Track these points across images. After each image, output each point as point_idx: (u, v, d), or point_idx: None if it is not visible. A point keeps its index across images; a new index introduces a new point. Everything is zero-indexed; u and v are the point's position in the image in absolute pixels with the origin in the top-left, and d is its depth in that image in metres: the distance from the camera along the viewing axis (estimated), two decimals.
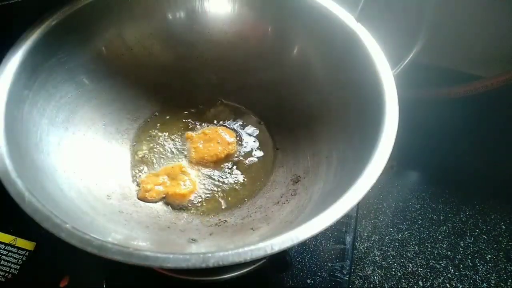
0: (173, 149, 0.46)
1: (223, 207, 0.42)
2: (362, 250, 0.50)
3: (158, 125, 0.48)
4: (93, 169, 0.39)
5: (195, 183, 0.43)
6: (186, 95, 0.50)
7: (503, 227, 0.53)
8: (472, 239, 0.52)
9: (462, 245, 0.51)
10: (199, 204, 0.42)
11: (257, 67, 0.47)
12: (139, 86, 0.47)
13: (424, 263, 0.49)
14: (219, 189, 0.43)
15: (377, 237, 0.51)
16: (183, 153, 0.46)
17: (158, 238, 0.36)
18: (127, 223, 0.36)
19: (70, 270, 0.42)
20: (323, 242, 0.47)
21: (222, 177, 0.44)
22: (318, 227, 0.26)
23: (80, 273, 0.42)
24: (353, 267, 0.48)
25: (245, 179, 0.44)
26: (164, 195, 0.42)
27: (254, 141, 0.48)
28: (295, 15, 0.43)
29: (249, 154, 0.47)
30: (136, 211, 0.39)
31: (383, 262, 0.49)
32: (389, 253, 0.50)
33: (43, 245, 0.43)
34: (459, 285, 0.48)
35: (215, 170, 0.45)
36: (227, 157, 0.45)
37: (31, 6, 0.36)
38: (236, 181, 0.44)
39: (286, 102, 0.47)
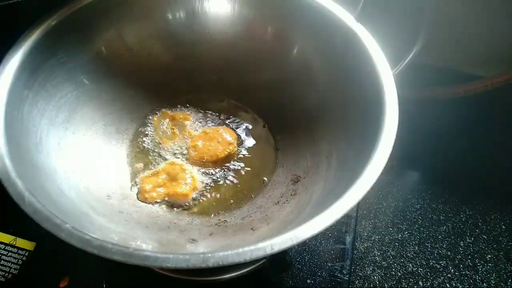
0: (174, 149, 0.46)
1: (223, 207, 0.42)
2: (362, 250, 0.50)
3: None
4: (93, 169, 0.39)
5: (196, 181, 0.43)
6: (186, 95, 0.50)
7: (503, 227, 0.53)
8: (472, 239, 0.52)
9: (462, 245, 0.51)
10: (199, 204, 0.42)
11: (257, 67, 0.47)
12: (139, 86, 0.47)
13: (424, 263, 0.49)
14: (219, 189, 0.43)
15: (377, 237, 0.51)
16: (183, 152, 0.46)
17: (158, 238, 0.36)
18: (127, 223, 0.36)
19: (70, 270, 0.42)
20: (323, 242, 0.47)
21: (222, 177, 0.44)
22: (318, 227, 0.26)
23: (80, 273, 0.42)
24: (353, 267, 0.47)
25: (245, 179, 0.44)
26: (164, 196, 0.42)
27: (254, 141, 0.48)
28: (295, 15, 0.43)
29: (249, 154, 0.47)
30: (136, 211, 0.39)
31: (383, 262, 0.49)
32: (389, 253, 0.50)
33: (43, 245, 0.43)
34: (459, 285, 0.48)
35: (215, 170, 0.45)
36: (228, 157, 0.45)
37: (31, 6, 0.36)
38: (236, 181, 0.44)
39: (286, 102, 0.47)
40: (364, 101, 0.36)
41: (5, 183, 0.27)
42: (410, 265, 0.49)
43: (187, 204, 0.42)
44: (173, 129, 0.47)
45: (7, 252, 0.43)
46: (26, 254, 0.43)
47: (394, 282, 0.48)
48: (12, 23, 0.36)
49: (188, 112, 0.49)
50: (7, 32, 0.35)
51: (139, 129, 0.47)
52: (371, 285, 0.47)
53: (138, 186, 0.42)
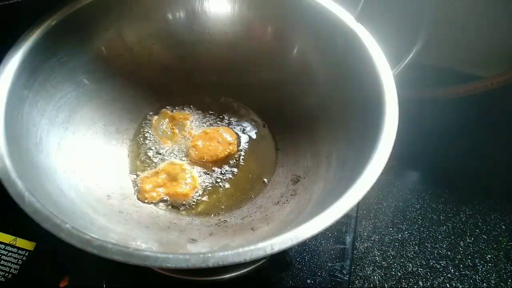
0: (174, 148, 0.46)
1: (223, 207, 0.42)
2: (362, 250, 0.50)
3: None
4: (93, 169, 0.39)
5: (196, 181, 0.43)
6: (186, 95, 0.50)
7: (503, 227, 0.53)
8: (472, 239, 0.52)
9: (462, 245, 0.51)
10: (199, 204, 0.42)
11: (257, 67, 0.47)
12: (139, 86, 0.47)
13: (424, 263, 0.49)
14: (219, 189, 0.43)
15: (377, 237, 0.51)
16: (183, 152, 0.46)
17: (158, 238, 0.36)
18: (127, 223, 0.36)
19: (70, 270, 0.42)
20: (323, 242, 0.47)
21: (222, 177, 0.44)
22: (318, 227, 0.26)
23: (80, 273, 0.42)
24: (353, 267, 0.48)
25: (245, 179, 0.44)
26: (164, 196, 0.42)
27: (254, 141, 0.48)
28: (295, 15, 0.43)
29: (249, 154, 0.47)
30: (136, 211, 0.39)
31: (383, 262, 0.49)
32: (389, 253, 0.50)
33: (43, 245, 0.43)
34: (459, 285, 0.48)
35: (215, 170, 0.45)
36: (228, 157, 0.45)
37: (31, 6, 0.36)
38: (236, 181, 0.44)
39: (286, 102, 0.47)
40: (364, 101, 0.36)
41: (5, 183, 0.27)
42: (410, 265, 0.49)
43: (187, 204, 0.42)
44: (173, 129, 0.47)
45: (7, 252, 0.43)
46: (26, 254, 0.43)
47: (394, 282, 0.48)
48: (12, 23, 0.36)
49: (188, 112, 0.49)
50: (7, 32, 0.35)
51: (139, 129, 0.47)
52: (371, 285, 0.47)
53: (138, 186, 0.42)
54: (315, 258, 0.45)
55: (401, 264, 0.49)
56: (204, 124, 0.49)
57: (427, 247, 0.51)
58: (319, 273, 0.44)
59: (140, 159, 0.45)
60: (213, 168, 0.45)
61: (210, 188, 0.43)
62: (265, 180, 0.44)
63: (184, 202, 0.42)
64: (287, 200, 0.40)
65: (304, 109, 0.45)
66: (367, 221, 0.53)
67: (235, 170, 0.45)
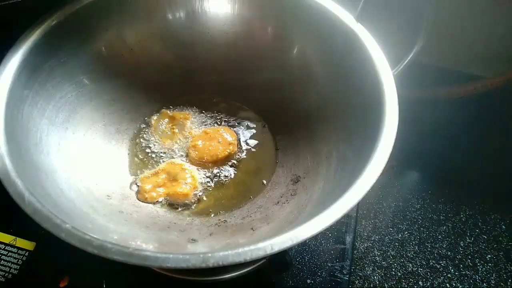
0: (173, 148, 0.46)
1: (223, 207, 0.42)
2: (362, 250, 0.50)
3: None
4: (93, 169, 0.39)
5: (196, 181, 0.43)
6: (186, 95, 0.50)
7: (503, 227, 0.53)
8: (472, 239, 0.52)
9: (462, 245, 0.51)
10: (199, 204, 0.42)
11: (257, 67, 0.47)
12: (139, 86, 0.47)
13: (424, 263, 0.49)
14: (219, 189, 0.43)
15: (377, 237, 0.51)
16: (183, 152, 0.46)
17: (158, 238, 0.36)
18: (127, 223, 0.36)
19: (70, 270, 0.42)
20: (323, 242, 0.47)
21: (222, 177, 0.44)
22: (318, 227, 0.26)
23: (80, 273, 0.42)
24: (353, 267, 0.48)
25: (245, 179, 0.44)
26: (164, 196, 0.42)
27: (254, 141, 0.48)
28: (295, 15, 0.43)
29: (249, 154, 0.47)
30: (136, 211, 0.39)
31: (383, 262, 0.49)
32: (389, 253, 0.50)
33: (43, 245, 0.43)
34: (459, 285, 0.48)
35: (215, 170, 0.45)
36: (228, 157, 0.45)
37: (31, 6, 0.36)
38: (236, 181, 0.44)
39: (286, 102, 0.47)
40: (364, 101, 0.36)
41: (5, 183, 0.27)
42: (410, 265, 0.49)
43: (187, 204, 0.42)
44: (173, 129, 0.47)
45: (7, 252, 0.43)
46: (26, 254, 0.43)
47: (394, 282, 0.48)
48: (12, 23, 0.36)
49: (188, 112, 0.49)
50: (7, 32, 0.35)
51: (139, 129, 0.47)
52: (371, 285, 0.47)
53: (138, 186, 0.42)
54: (315, 258, 0.45)
55: (401, 264, 0.49)
56: (204, 124, 0.49)
57: (427, 247, 0.51)
58: (319, 273, 0.44)
59: (140, 159, 0.45)
60: (213, 168, 0.45)
61: (210, 188, 0.43)
62: (265, 180, 0.44)
63: (184, 202, 0.42)
64: (287, 200, 0.40)
65: (304, 109, 0.45)
66: (367, 221, 0.53)
67: (235, 170, 0.45)
